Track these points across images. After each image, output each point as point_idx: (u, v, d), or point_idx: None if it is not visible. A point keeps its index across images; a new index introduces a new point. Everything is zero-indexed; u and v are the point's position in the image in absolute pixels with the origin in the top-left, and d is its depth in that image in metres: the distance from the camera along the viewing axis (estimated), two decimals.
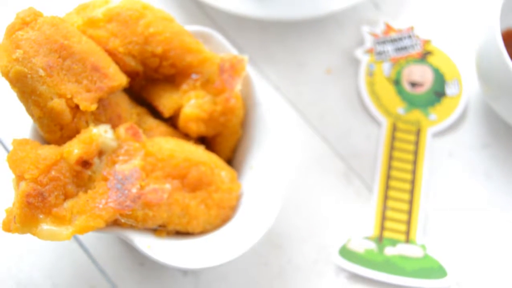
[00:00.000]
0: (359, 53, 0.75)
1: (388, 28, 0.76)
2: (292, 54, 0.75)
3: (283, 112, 0.72)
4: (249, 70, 0.59)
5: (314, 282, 0.64)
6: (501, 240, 0.68)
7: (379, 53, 0.75)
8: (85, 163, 0.49)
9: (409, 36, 0.76)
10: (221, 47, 0.59)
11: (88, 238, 0.62)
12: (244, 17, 0.74)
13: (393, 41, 0.76)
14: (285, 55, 0.75)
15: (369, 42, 0.75)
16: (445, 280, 0.64)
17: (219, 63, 0.57)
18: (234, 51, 0.59)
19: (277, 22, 0.76)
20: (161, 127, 0.57)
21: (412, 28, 0.76)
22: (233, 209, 0.56)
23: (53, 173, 0.48)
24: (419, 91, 0.73)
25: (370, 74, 0.74)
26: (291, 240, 0.65)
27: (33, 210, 0.47)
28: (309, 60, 0.75)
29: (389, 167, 0.70)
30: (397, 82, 0.74)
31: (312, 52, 0.76)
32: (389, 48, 0.75)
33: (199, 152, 0.55)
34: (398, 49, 0.76)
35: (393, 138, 0.71)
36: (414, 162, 0.70)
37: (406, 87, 0.74)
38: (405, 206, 0.68)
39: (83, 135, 0.49)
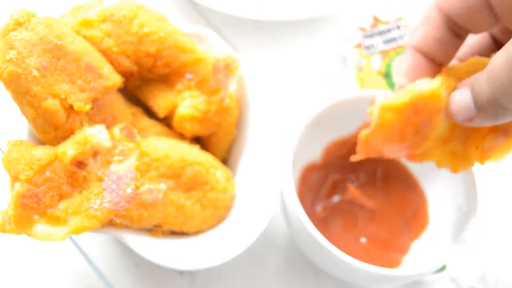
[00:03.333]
0: (347, 49, 0.75)
1: (376, 20, 0.76)
2: (287, 53, 0.75)
3: (278, 112, 0.72)
4: (244, 70, 0.59)
5: (312, 281, 0.64)
6: (498, 237, 0.68)
7: (368, 47, 0.75)
8: (80, 164, 0.49)
9: (398, 27, 0.75)
10: (216, 47, 0.59)
11: (84, 238, 0.62)
12: (239, 17, 0.74)
13: (381, 33, 0.75)
14: (280, 54, 0.75)
15: (356, 37, 0.75)
16: (441, 275, 0.64)
17: (214, 62, 0.57)
18: (229, 50, 0.59)
19: (272, 21, 0.76)
20: (156, 127, 0.57)
21: (400, 18, 0.76)
22: (228, 208, 0.56)
23: (47, 173, 0.48)
24: None
25: (360, 69, 0.74)
26: (288, 239, 0.65)
27: (28, 211, 0.47)
28: (304, 59, 0.75)
29: None
30: (387, 75, 0.73)
31: (307, 51, 0.76)
32: (377, 41, 0.75)
33: (194, 151, 0.55)
34: (387, 41, 0.75)
35: None
36: None
37: None
38: None
39: (78, 136, 0.49)
